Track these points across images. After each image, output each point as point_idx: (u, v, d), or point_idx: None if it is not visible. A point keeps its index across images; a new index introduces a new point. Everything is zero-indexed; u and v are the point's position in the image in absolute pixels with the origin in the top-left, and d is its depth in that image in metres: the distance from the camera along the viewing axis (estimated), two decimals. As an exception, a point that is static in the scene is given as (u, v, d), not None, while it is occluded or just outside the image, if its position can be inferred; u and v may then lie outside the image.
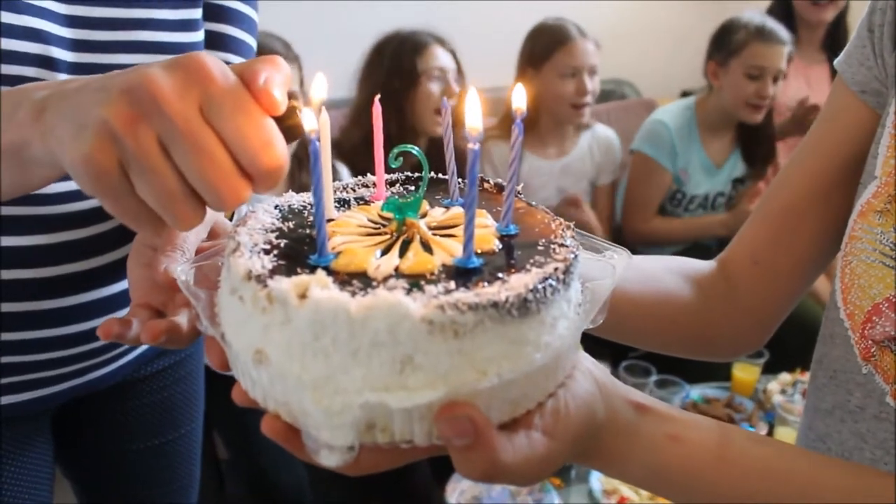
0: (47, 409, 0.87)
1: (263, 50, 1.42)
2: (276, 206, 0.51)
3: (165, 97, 0.40)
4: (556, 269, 0.42)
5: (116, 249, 0.78)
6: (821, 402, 0.63)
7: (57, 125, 0.44)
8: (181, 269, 0.54)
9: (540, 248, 0.45)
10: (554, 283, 0.41)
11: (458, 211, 0.51)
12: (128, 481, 1.00)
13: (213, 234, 0.61)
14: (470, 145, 0.41)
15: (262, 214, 0.49)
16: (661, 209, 2.35)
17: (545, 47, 2.16)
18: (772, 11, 2.40)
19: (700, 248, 2.26)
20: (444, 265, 0.43)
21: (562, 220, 0.49)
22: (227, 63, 0.46)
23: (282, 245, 0.45)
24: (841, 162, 0.63)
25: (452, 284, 0.40)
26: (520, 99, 0.44)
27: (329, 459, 0.40)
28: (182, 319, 0.54)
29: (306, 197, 0.53)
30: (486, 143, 2.18)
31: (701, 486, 0.48)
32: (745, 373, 1.81)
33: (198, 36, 0.77)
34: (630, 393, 0.50)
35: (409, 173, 0.57)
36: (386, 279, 0.42)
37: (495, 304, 0.39)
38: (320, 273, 0.40)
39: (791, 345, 1.10)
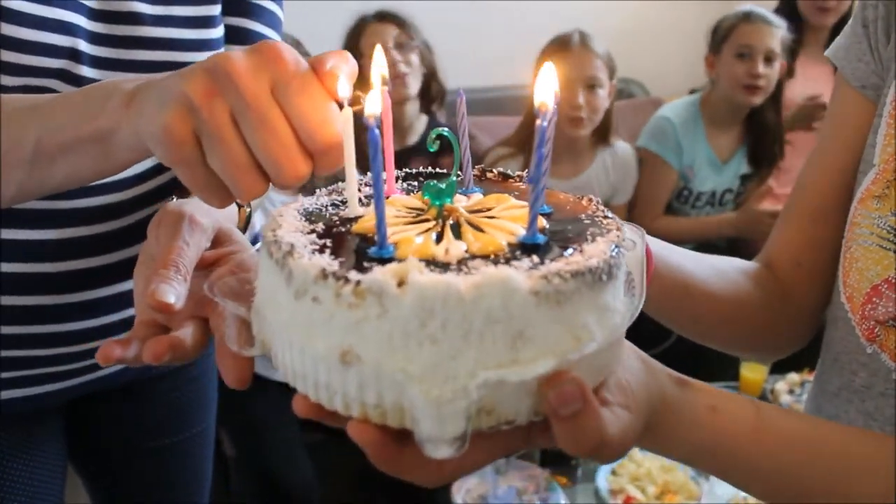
0: (56, 406, 0.88)
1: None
2: (297, 211, 0.48)
3: (240, 74, 0.44)
4: (617, 235, 0.44)
5: (125, 248, 0.77)
6: (827, 385, 0.65)
7: (144, 107, 0.48)
8: (171, 290, 0.51)
9: (586, 221, 0.47)
10: (621, 248, 0.43)
11: (479, 197, 0.51)
12: (139, 480, 0.97)
13: (217, 242, 0.58)
14: (538, 122, 0.41)
15: (291, 219, 0.46)
16: (669, 207, 2.29)
17: (547, 55, 2.04)
18: (778, 12, 2.41)
19: (709, 248, 2.22)
20: (509, 244, 0.43)
21: (590, 195, 0.50)
22: None
23: (328, 244, 0.43)
24: (855, 157, 0.64)
25: (535, 258, 0.40)
26: (551, 79, 0.45)
27: (436, 452, 0.38)
28: (186, 333, 0.52)
29: (314, 199, 0.51)
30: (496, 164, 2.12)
31: (740, 457, 0.49)
32: (753, 372, 1.79)
33: (216, 32, 0.77)
34: (666, 368, 0.50)
35: (407, 170, 0.57)
36: (461, 262, 0.41)
37: (591, 270, 0.39)
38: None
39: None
